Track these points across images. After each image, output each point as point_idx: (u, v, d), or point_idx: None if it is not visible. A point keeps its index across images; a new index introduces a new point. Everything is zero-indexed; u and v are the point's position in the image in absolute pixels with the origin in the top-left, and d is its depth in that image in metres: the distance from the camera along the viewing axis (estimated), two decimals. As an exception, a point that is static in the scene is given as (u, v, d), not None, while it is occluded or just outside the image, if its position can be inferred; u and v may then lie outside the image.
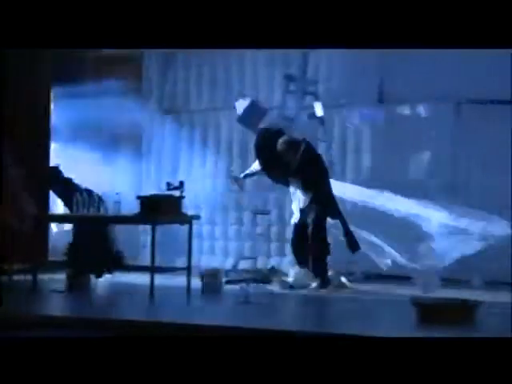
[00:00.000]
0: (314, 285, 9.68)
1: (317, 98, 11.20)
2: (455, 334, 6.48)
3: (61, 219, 11.23)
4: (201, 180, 12.35)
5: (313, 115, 11.12)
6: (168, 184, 9.97)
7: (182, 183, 9.92)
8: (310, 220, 9.79)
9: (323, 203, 9.76)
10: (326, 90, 11.42)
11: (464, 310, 7.73)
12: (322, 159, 10.05)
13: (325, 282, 9.71)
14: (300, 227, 9.92)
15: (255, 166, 10.44)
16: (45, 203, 10.77)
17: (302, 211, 9.93)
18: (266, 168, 10.16)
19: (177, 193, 9.85)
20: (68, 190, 11.11)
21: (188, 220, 9.91)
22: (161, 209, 9.65)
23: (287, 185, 10.15)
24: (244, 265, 11.34)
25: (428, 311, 7.74)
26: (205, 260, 11.92)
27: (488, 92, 10.79)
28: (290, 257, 11.20)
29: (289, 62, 11.67)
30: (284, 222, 11.69)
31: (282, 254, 11.68)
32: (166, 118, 12.96)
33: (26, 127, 10.36)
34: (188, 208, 10.29)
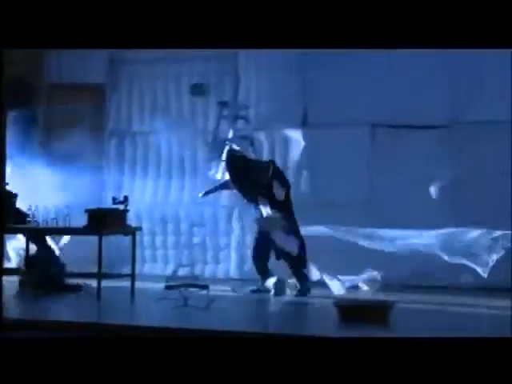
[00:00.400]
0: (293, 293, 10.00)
1: (247, 122, 11.54)
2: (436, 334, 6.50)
3: (12, 231, 10.71)
4: (142, 195, 12.50)
5: (244, 137, 11.41)
6: (113, 198, 10.11)
7: (126, 198, 10.10)
8: (277, 233, 10.05)
9: (288, 218, 10.09)
10: (255, 113, 11.75)
11: (380, 311, 8.01)
12: (286, 179, 10.38)
13: (303, 290, 9.97)
14: (263, 240, 10.22)
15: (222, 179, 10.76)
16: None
17: (265, 225, 10.21)
18: (238, 186, 10.43)
19: (121, 206, 9.98)
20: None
21: (131, 231, 10.15)
22: (106, 221, 9.89)
23: (255, 201, 10.34)
24: (182, 272, 11.47)
25: (348, 312, 7.99)
26: (147, 267, 12.18)
27: (402, 116, 11.27)
28: (224, 264, 11.76)
29: (223, 90, 12.15)
30: (218, 232, 12.04)
31: (216, 261, 12.01)
32: (112, 139, 13.04)
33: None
34: (131, 220, 10.52)
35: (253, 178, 10.20)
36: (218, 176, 11.00)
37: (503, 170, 10.56)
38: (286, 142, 11.84)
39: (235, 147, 10.82)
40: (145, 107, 12.69)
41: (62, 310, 9.24)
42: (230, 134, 11.49)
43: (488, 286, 9.88)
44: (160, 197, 12.48)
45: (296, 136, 11.52)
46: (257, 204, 10.30)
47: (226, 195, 11.74)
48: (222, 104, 11.69)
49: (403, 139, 11.29)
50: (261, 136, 11.80)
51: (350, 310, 8.09)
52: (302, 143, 11.50)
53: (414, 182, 10.99)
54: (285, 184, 10.19)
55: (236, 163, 10.46)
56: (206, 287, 9.73)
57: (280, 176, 10.26)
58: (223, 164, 10.70)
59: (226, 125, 11.58)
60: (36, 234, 10.60)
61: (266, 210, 10.18)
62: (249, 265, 11.09)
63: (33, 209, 10.49)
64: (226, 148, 10.84)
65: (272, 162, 10.40)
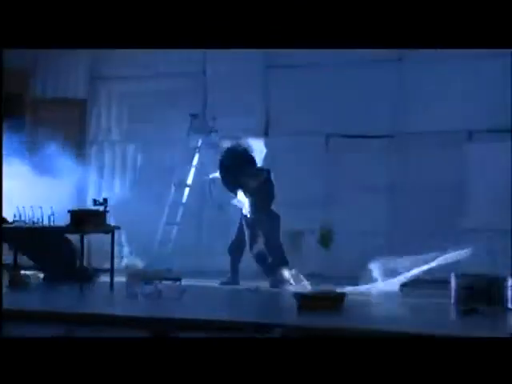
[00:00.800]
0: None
1: (215, 132, 12.01)
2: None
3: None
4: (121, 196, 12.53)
5: (213, 145, 11.85)
6: (94, 200, 10.45)
7: (105, 200, 10.43)
8: (260, 232, 10.46)
9: (271, 220, 10.53)
10: (222, 124, 11.94)
11: (333, 300, 8.41)
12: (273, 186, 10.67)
13: (275, 283, 10.32)
14: (242, 236, 10.62)
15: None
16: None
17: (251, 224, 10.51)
18: (227, 184, 10.75)
19: (101, 207, 10.32)
20: None
21: (111, 230, 10.47)
22: (88, 221, 10.27)
23: (235, 193, 10.62)
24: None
25: (305, 301, 8.34)
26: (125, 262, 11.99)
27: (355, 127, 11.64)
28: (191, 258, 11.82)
29: (192, 103, 12.44)
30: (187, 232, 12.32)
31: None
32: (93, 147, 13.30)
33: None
34: (110, 220, 10.74)
35: (245, 174, 10.56)
36: None
37: (440, 177, 10.93)
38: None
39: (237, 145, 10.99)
40: (122, 119, 12.98)
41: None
42: (199, 143, 12.03)
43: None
44: (135, 198, 12.52)
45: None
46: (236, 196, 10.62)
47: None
48: (193, 116, 12.11)
49: (354, 147, 11.66)
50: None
51: (308, 300, 8.47)
52: (264, 151, 11.49)
53: (362, 186, 11.40)
54: (271, 194, 10.66)
55: (228, 160, 10.80)
56: (178, 280, 9.99)
57: (270, 185, 10.69)
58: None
59: (196, 134, 12.08)
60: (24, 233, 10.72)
61: (247, 209, 10.51)
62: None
63: (20, 210, 10.67)
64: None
65: (268, 171, 10.76)
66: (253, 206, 10.55)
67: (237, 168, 10.68)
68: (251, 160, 10.77)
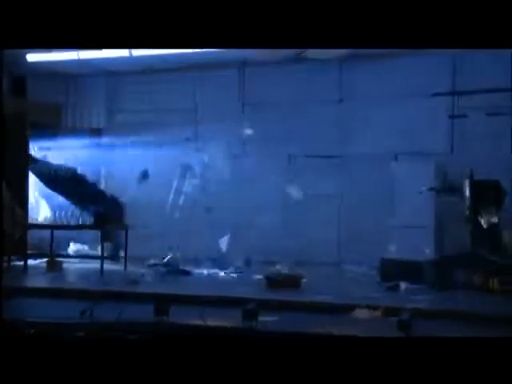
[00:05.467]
0: None
1: (204, 151, 12.03)
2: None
3: (38, 227, 10.89)
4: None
5: (202, 162, 11.97)
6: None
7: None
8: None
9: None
10: (209, 147, 11.99)
11: (294, 280, 8.57)
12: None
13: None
14: None
15: None
16: (26, 216, 10.59)
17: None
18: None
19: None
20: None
21: (126, 227, 10.58)
22: (108, 219, 10.45)
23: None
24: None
25: (272, 281, 8.53)
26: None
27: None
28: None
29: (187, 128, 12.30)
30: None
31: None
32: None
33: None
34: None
35: None
36: None
37: (375, 188, 10.95)
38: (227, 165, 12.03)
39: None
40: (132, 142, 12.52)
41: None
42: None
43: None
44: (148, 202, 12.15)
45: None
46: None
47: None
48: (187, 139, 12.24)
49: (312, 164, 11.73)
50: (207, 160, 12.09)
51: (275, 280, 8.63)
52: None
53: (317, 196, 11.47)
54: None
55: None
56: (176, 265, 10.18)
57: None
58: None
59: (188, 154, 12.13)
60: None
61: None
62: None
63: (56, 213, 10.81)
64: None
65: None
66: None
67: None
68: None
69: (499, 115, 10.49)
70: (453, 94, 11.09)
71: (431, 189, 10.06)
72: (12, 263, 10.03)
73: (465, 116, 10.88)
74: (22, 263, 10.01)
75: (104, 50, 11.60)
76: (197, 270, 10.38)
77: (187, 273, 10.09)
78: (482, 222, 8.92)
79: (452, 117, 11.08)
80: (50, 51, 11.62)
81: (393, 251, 9.83)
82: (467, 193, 9.41)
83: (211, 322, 6.01)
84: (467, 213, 9.32)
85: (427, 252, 9.81)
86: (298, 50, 11.08)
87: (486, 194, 9.09)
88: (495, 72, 10.55)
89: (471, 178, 9.37)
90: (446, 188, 10.07)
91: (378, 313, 6.51)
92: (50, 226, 10.78)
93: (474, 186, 9.32)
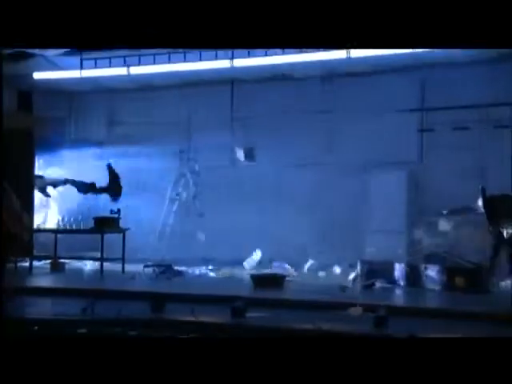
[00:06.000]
0: None
1: (196, 161, 12.14)
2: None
3: (42, 231, 11.03)
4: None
5: (194, 171, 12.09)
6: (111, 210, 10.65)
7: (118, 210, 10.61)
8: None
9: None
10: (202, 157, 12.10)
11: (276, 280, 8.64)
12: None
13: None
14: None
15: None
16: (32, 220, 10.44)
17: None
18: None
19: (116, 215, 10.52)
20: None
21: (122, 231, 10.58)
22: (106, 224, 10.49)
23: None
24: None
25: (258, 281, 8.60)
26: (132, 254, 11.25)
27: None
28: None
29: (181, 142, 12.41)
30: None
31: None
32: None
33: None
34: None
35: None
36: None
37: (350, 195, 11.01)
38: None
39: None
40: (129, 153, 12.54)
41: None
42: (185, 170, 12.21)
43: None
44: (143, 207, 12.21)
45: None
46: None
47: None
48: (181, 152, 12.32)
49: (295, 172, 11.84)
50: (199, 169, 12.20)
51: (259, 279, 8.67)
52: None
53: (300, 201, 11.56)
54: None
55: None
56: (170, 266, 10.14)
57: None
58: None
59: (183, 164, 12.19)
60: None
61: None
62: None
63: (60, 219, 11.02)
64: None
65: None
66: None
67: None
68: None
69: (463, 129, 10.66)
70: (422, 110, 11.29)
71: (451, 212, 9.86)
72: (19, 264, 10.16)
73: (432, 130, 11.08)
74: (28, 264, 10.16)
75: (104, 69, 11.84)
76: (189, 270, 10.43)
77: (180, 273, 10.10)
78: (504, 233, 8.72)
79: (421, 130, 11.30)
80: (55, 70, 11.80)
81: (369, 253, 9.91)
82: (482, 209, 9.06)
83: (203, 319, 6.03)
84: (490, 228, 8.86)
85: (400, 253, 9.91)
86: (285, 70, 11.24)
87: (502, 207, 8.77)
88: (461, 90, 10.70)
89: (484, 194, 9.00)
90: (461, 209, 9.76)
91: (359, 310, 6.51)
92: (53, 231, 10.86)
93: (488, 202, 8.93)
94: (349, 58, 10.37)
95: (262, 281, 8.57)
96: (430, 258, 8.77)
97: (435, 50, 9.48)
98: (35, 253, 10.54)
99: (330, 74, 11.39)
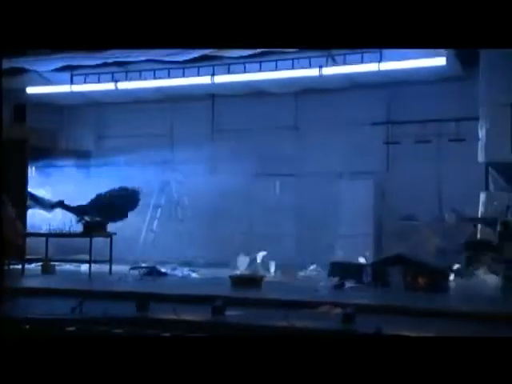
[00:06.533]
0: None
1: (178, 171, 12.02)
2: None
3: (34, 235, 10.52)
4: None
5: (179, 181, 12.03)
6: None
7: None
8: None
9: None
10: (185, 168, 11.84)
11: (255, 281, 8.61)
12: None
13: None
14: None
15: None
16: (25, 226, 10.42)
17: None
18: None
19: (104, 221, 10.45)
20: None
21: (110, 235, 10.38)
22: (95, 229, 10.36)
23: None
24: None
25: (236, 281, 8.54)
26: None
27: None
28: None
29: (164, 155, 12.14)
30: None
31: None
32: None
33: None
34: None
35: None
36: None
37: (324, 201, 10.94)
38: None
39: None
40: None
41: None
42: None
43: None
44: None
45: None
46: None
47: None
48: (164, 162, 12.14)
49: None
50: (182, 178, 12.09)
51: (237, 280, 8.62)
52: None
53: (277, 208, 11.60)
54: None
55: None
56: (153, 268, 10.01)
57: None
58: None
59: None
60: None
61: None
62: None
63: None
64: None
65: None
66: None
67: None
68: None
69: (425, 142, 10.79)
70: (387, 123, 11.43)
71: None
72: (11, 267, 9.71)
73: (398, 142, 11.20)
74: (20, 267, 9.97)
75: (93, 84, 11.72)
76: (172, 272, 10.36)
77: (163, 274, 10.02)
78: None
79: (387, 143, 11.43)
80: (47, 84, 11.71)
81: (339, 255, 9.94)
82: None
83: (185, 317, 5.98)
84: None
85: (367, 255, 9.98)
86: (262, 86, 11.27)
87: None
88: (424, 106, 10.82)
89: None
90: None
91: (329, 308, 6.52)
92: (44, 235, 10.62)
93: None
94: (321, 76, 10.43)
95: (240, 281, 8.54)
96: (395, 260, 8.83)
97: (401, 68, 9.85)
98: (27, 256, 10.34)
99: (303, 90, 11.48)
